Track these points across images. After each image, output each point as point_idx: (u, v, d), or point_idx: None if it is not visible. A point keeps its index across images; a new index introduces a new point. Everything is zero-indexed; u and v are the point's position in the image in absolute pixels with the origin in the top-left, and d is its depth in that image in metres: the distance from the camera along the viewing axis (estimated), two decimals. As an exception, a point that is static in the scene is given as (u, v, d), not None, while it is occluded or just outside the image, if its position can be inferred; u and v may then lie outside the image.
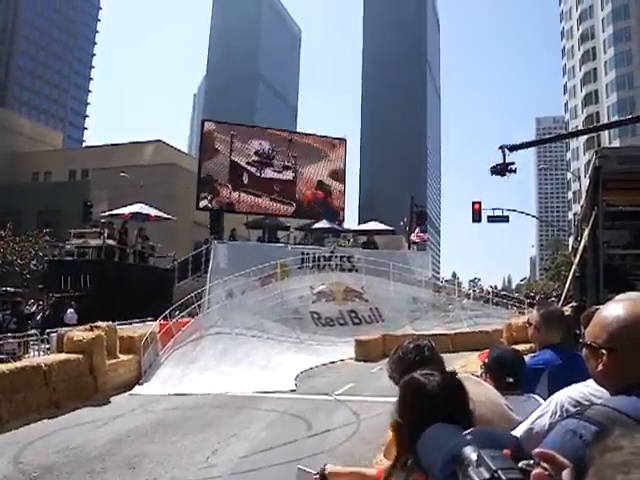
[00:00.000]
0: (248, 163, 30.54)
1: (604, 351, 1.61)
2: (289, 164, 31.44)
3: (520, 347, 6.95)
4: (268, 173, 30.95)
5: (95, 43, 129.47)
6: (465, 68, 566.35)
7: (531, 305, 25.31)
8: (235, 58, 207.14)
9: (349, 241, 30.23)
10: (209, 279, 23.04)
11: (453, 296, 26.97)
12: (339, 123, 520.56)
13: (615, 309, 1.65)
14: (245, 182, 30.40)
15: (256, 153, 30.75)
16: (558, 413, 2.03)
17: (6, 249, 39.61)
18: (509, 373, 2.88)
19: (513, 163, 16.96)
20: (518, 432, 2.07)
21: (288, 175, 31.41)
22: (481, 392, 2.55)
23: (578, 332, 3.26)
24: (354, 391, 13.14)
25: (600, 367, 1.63)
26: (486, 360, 3.07)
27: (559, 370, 3.03)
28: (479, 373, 3.64)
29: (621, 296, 1.84)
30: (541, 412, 2.11)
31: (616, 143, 65.59)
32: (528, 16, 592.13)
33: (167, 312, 18.21)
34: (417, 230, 31.99)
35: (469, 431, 1.53)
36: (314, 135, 33.78)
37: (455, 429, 1.72)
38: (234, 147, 30.44)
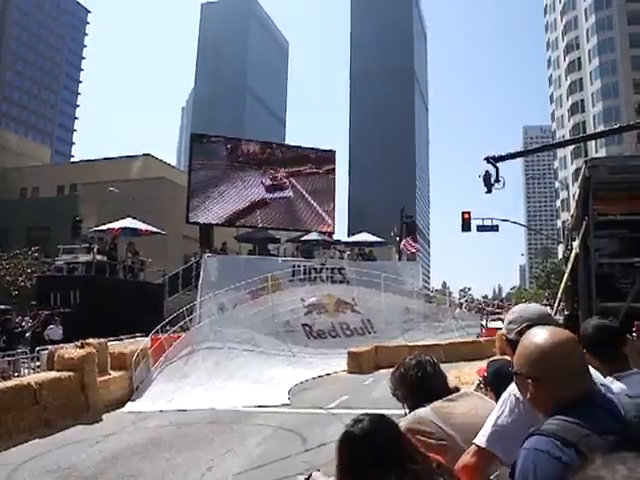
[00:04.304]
0: (239, 178, 30.52)
1: (530, 380, 1.72)
2: (281, 178, 31.45)
3: (514, 358, 6.94)
4: (261, 187, 30.95)
5: (83, 57, 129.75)
6: (452, 78, 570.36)
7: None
8: (223, 71, 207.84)
9: (342, 252, 30.20)
10: (200, 293, 22.91)
11: (444, 306, 27.08)
12: (328, 135, 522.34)
13: (535, 339, 1.76)
14: (237, 195, 30.36)
15: (247, 167, 30.76)
16: (512, 407, 2.14)
17: (-6, 266, 39.31)
18: (508, 386, 2.88)
19: (500, 182, 16.89)
20: (483, 436, 2.15)
21: (281, 189, 31.41)
22: (483, 406, 2.55)
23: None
24: (348, 404, 13.08)
25: (528, 395, 1.75)
26: (485, 374, 3.07)
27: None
28: (474, 386, 3.63)
29: (539, 327, 1.94)
30: (499, 411, 2.15)
31: (602, 152, 66.18)
32: (515, 26, 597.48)
33: (158, 327, 18.08)
34: (408, 239, 32.14)
35: None
36: (304, 148, 33.83)
37: None
38: (224, 161, 30.44)
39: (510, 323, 2.50)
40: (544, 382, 1.69)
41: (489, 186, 16.63)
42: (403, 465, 1.80)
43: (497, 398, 2.79)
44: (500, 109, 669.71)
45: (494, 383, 2.95)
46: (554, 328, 1.84)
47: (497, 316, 26.36)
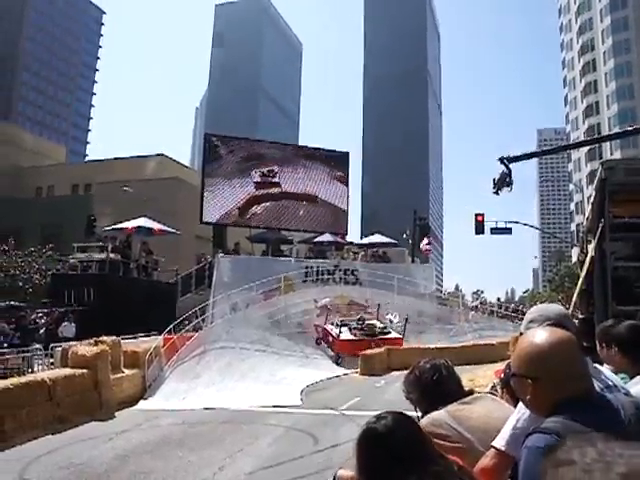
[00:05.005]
0: (252, 178, 30.58)
1: (530, 380, 1.72)
2: (294, 179, 31.47)
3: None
4: (274, 188, 30.99)
5: (98, 58, 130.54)
6: (465, 80, 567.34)
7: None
8: (237, 72, 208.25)
9: (355, 254, 30.16)
10: (213, 293, 23.00)
11: (457, 309, 26.95)
12: (341, 136, 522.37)
13: (533, 339, 1.77)
14: (251, 196, 30.44)
15: (260, 167, 30.82)
16: None
17: (9, 263, 39.70)
18: None
19: (511, 185, 16.76)
20: (503, 439, 2.12)
21: (292, 189, 31.44)
22: (499, 409, 2.53)
23: (586, 345, 3.25)
24: (360, 405, 13.05)
25: (529, 396, 1.74)
26: (502, 376, 3.05)
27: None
28: (488, 388, 3.59)
29: (535, 328, 1.98)
30: (519, 414, 2.13)
31: (617, 154, 65.72)
32: (528, 28, 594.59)
33: (171, 326, 18.15)
34: (425, 242, 32.10)
35: None
36: (318, 149, 33.85)
37: None
38: (237, 161, 30.51)
39: (531, 322, 2.48)
40: (544, 382, 1.69)
41: (500, 187, 16.53)
42: (425, 466, 1.78)
43: (513, 399, 2.78)
44: (514, 111, 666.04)
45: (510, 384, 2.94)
46: (552, 328, 1.86)
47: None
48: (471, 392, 2.70)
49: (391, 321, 23.99)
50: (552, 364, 1.69)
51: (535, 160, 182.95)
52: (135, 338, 17.10)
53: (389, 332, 22.29)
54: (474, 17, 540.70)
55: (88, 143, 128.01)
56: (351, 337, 21.42)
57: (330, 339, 21.82)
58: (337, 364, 20.58)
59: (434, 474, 1.77)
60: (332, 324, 22.30)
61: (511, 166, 16.79)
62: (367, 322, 22.54)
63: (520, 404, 2.18)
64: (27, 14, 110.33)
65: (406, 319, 23.17)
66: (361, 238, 47.85)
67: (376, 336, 21.55)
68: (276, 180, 31.08)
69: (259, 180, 30.73)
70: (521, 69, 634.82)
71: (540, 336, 1.77)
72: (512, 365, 1.82)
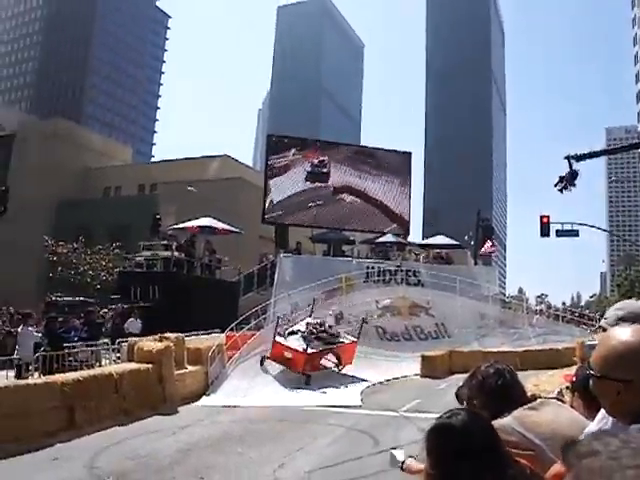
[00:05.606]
0: (311, 174, 30.71)
1: (620, 383, 1.58)
2: (356, 178, 31.44)
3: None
4: (336, 187, 31.05)
5: (164, 61, 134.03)
6: (530, 77, 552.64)
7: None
8: (299, 73, 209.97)
9: (417, 255, 29.83)
10: (274, 292, 23.14)
11: (521, 313, 26.35)
12: (403, 136, 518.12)
13: (626, 337, 1.63)
14: (313, 196, 30.57)
15: (322, 167, 30.90)
16: (615, 421, 2.00)
17: (79, 261, 41.20)
18: None
19: (575, 185, 16.18)
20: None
21: (356, 187, 31.42)
22: (568, 415, 2.44)
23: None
24: (421, 407, 12.89)
25: (617, 399, 1.60)
26: (574, 379, 2.95)
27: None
28: (555, 393, 3.47)
29: (623, 326, 1.83)
30: (600, 423, 2.04)
31: (693, 154, 62.97)
32: (597, 23, 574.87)
33: (233, 324, 18.37)
34: (488, 244, 31.53)
35: None
36: (379, 149, 33.73)
37: None
38: (299, 161, 30.69)
39: (619, 319, 2.34)
40: (636, 385, 1.55)
41: (566, 185, 16.05)
42: (503, 468, 1.72)
43: (585, 405, 2.67)
44: (581, 109, 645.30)
45: (583, 389, 2.83)
46: (638, 326, 1.72)
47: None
48: (535, 397, 2.62)
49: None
50: None
51: (604, 159, 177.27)
52: (201, 335, 17.42)
53: (340, 338, 18.34)
54: (538, 12, 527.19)
55: (154, 144, 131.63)
56: (314, 350, 16.98)
57: (290, 355, 16.81)
58: (306, 384, 15.96)
59: (511, 478, 1.71)
60: (281, 335, 17.52)
61: (578, 165, 16.30)
62: (330, 327, 18.68)
63: (601, 412, 2.08)
64: (96, 20, 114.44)
65: (363, 319, 20.10)
66: (422, 239, 47.37)
67: (334, 344, 17.88)
68: (326, 170, 30.96)
69: (310, 170, 30.73)
70: (589, 66, 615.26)
71: (634, 335, 1.63)
72: (595, 366, 1.68)
